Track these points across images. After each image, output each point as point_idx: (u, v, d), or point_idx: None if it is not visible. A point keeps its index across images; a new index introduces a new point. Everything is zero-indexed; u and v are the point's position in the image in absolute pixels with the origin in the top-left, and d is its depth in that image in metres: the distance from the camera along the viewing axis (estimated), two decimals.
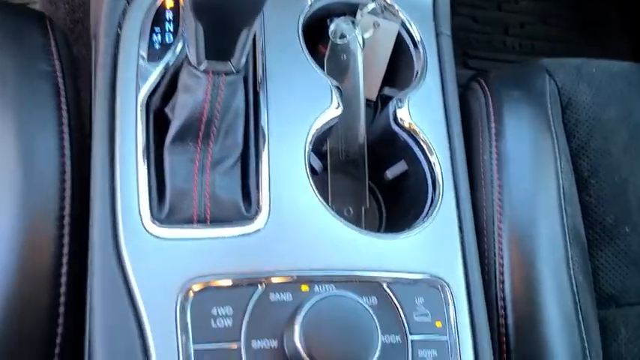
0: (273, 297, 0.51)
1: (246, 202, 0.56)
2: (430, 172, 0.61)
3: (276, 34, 0.62)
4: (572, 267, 0.64)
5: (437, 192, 0.60)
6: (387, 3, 0.68)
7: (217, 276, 0.51)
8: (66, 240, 0.55)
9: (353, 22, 0.68)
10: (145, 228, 0.52)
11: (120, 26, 0.59)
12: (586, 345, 0.62)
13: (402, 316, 0.53)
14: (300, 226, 0.55)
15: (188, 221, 0.54)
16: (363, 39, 0.68)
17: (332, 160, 0.68)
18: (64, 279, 0.54)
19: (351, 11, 0.68)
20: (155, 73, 0.57)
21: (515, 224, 0.63)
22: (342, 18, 0.68)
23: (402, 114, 0.63)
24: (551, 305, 0.61)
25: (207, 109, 0.53)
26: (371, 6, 0.67)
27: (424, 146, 0.62)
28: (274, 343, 0.49)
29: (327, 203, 0.58)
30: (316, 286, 0.52)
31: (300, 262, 0.53)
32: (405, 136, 0.63)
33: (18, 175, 0.55)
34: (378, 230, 0.67)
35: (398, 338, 0.53)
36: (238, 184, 0.56)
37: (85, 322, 0.52)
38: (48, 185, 0.55)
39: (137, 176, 0.54)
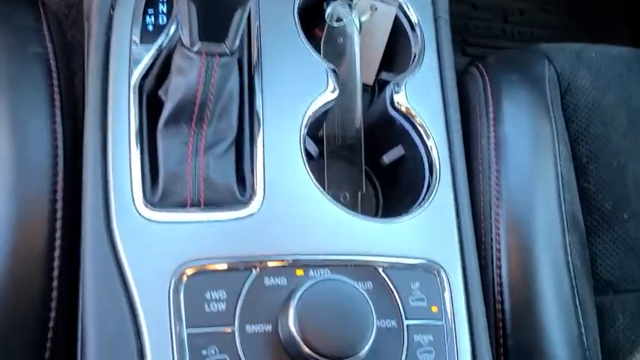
0: (268, 281, 0.51)
1: (240, 187, 0.55)
2: (427, 157, 0.61)
3: (272, 16, 0.61)
4: (569, 253, 0.63)
5: (434, 177, 0.60)
6: None
7: (211, 260, 0.50)
8: (59, 224, 0.54)
9: (350, 5, 0.67)
10: (137, 211, 0.51)
11: (112, 8, 0.58)
12: (583, 331, 0.61)
13: (398, 300, 0.53)
14: (294, 210, 0.54)
15: (181, 205, 0.53)
16: (360, 22, 0.68)
17: (328, 145, 0.68)
18: (56, 263, 0.54)
19: None
20: (148, 55, 0.57)
21: (512, 209, 0.63)
22: (339, 1, 0.67)
23: (399, 98, 0.62)
24: (549, 291, 0.61)
25: (200, 91, 0.52)
26: None
27: (421, 130, 0.61)
28: (269, 328, 0.49)
29: (324, 189, 0.57)
30: (311, 271, 0.52)
31: (295, 246, 0.53)
32: (401, 120, 0.63)
33: (9, 157, 0.54)
34: (375, 216, 0.66)
35: (393, 323, 0.52)
36: (232, 167, 0.56)
37: (77, 306, 0.52)
38: (40, 168, 0.55)
39: (130, 159, 0.53)
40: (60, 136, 0.57)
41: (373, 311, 0.49)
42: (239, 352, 0.48)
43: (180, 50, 0.53)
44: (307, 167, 0.56)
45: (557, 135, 0.68)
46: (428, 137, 0.61)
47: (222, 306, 0.49)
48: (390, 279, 0.53)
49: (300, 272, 0.52)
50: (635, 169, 0.73)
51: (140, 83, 0.56)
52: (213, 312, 0.49)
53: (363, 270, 0.53)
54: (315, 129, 0.65)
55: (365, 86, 0.72)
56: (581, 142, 0.72)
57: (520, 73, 0.71)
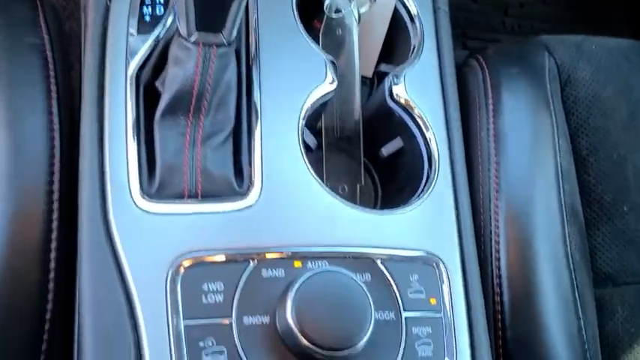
0: (265, 273, 0.50)
1: (238, 178, 0.55)
2: (426, 149, 0.61)
3: (270, 7, 0.61)
4: (569, 245, 0.63)
5: (433, 168, 0.59)
6: None
7: (208, 251, 0.50)
8: (55, 215, 0.54)
9: None
10: (134, 203, 0.51)
11: None
12: (582, 323, 0.61)
13: (396, 292, 0.53)
14: (292, 201, 0.54)
15: (179, 196, 0.53)
16: (359, 13, 0.67)
17: (327, 137, 0.67)
18: (53, 254, 0.54)
19: None
20: (145, 46, 0.56)
21: (512, 201, 0.62)
22: None
23: (398, 90, 0.62)
24: (548, 283, 0.60)
25: (197, 81, 0.52)
26: None
27: (420, 122, 0.61)
28: (266, 319, 0.49)
29: (322, 181, 0.57)
30: (309, 262, 0.51)
31: (293, 238, 0.53)
32: (400, 112, 0.62)
33: (5, 148, 0.54)
34: (374, 208, 0.66)
35: (392, 315, 0.52)
36: (230, 159, 0.55)
37: (74, 298, 0.51)
38: (36, 159, 0.55)
39: (126, 151, 0.53)
40: (56, 127, 0.56)
41: (371, 303, 0.48)
42: (236, 343, 0.48)
43: (177, 41, 0.52)
44: (305, 159, 0.56)
45: (556, 127, 0.67)
46: (427, 129, 0.61)
47: (220, 297, 0.49)
48: (388, 271, 0.53)
49: (298, 264, 0.51)
50: (635, 162, 0.72)
51: (137, 74, 0.56)
52: (211, 304, 0.49)
53: (361, 262, 0.53)
54: (313, 121, 0.64)
55: (364, 78, 0.71)
56: (581, 134, 0.72)
57: (520, 65, 0.71)
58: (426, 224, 0.57)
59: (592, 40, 0.76)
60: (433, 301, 0.54)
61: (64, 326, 0.54)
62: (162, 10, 0.58)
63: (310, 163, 0.56)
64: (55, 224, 0.54)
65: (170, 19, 0.57)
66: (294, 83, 0.58)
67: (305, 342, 0.46)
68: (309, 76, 0.59)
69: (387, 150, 0.66)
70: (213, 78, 0.53)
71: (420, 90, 0.62)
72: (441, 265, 0.55)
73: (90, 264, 0.50)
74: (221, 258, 0.50)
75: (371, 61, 0.71)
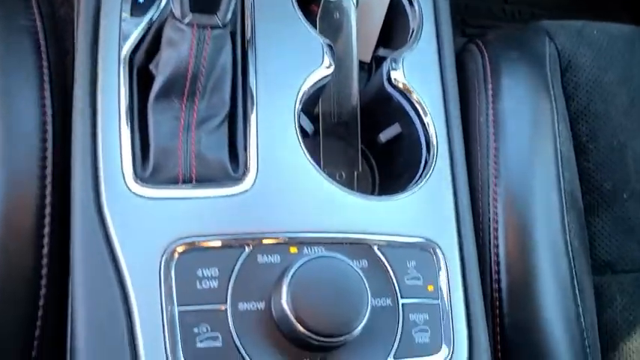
0: (261, 259, 0.50)
1: (233, 163, 0.54)
2: (424, 134, 0.60)
3: None
4: (568, 232, 0.62)
5: (431, 154, 0.59)
6: None
7: (203, 237, 0.49)
8: (48, 200, 0.53)
9: None
10: (127, 187, 0.50)
11: None
12: (580, 311, 0.61)
13: (393, 279, 0.52)
14: (289, 187, 0.53)
15: (173, 181, 0.52)
16: None
17: (324, 123, 0.67)
18: (46, 239, 0.53)
19: None
20: (139, 28, 0.55)
21: (511, 188, 0.62)
22: None
23: (397, 75, 0.61)
24: (546, 270, 0.60)
25: (192, 64, 0.51)
26: None
27: (418, 107, 0.60)
28: (261, 305, 0.48)
29: (319, 167, 0.56)
30: (305, 248, 0.51)
31: (289, 223, 0.52)
32: (399, 97, 0.61)
33: None
34: (371, 194, 0.65)
35: (388, 301, 0.51)
36: (225, 143, 0.54)
37: (68, 284, 0.51)
38: (29, 143, 0.54)
39: (120, 134, 0.52)
40: (49, 110, 0.55)
41: (368, 289, 0.48)
42: (231, 330, 0.47)
43: (171, 22, 0.52)
44: (302, 143, 0.55)
45: (556, 113, 0.66)
46: (425, 114, 0.60)
47: (214, 283, 0.48)
48: (385, 257, 0.53)
49: (293, 250, 0.51)
50: (635, 149, 0.72)
51: (130, 57, 0.55)
52: (205, 289, 0.48)
53: (358, 248, 0.52)
54: (310, 106, 0.63)
55: (362, 63, 0.70)
56: (581, 120, 0.71)
57: (520, 50, 0.70)
58: (423, 210, 0.56)
59: (593, 25, 0.75)
60: (430, 287, 0.53)
61: (58, 312, 0.53)
62: None
63: (307, 149, 0.56)
64: (47, 209, 0.53)
65: (164, 1, 0.56)
66: (291, 67, 0.57)
67: (300, 328, 0.46)
68: (305, 60, 0.58)
69: (385, 136, 0.65)
70: (208, 60, 0.52)
71: (418, 75, 0.61)
72: (439, 252, 0.55)
73: (83, 249, 0.49)
74: (216, 243, 0.50)
75: (369, 45, 0.70)
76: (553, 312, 0.59)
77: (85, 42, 0.55)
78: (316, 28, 0.63)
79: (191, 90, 0.52)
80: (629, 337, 0.68)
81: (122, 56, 0.54)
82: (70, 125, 0.53)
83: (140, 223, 0.49)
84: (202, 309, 0.48)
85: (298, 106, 0.56)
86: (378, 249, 0.53)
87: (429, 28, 0.64)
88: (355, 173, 0.67)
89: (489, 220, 0.61)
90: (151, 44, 0.55)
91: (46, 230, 0.53)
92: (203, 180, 0.52)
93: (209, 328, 0.47)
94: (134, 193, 0.50)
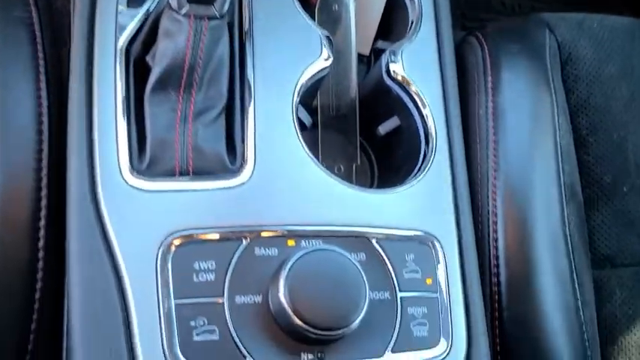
0: (258, 251, 0.49)
1: (230, 155, 0.54)
2: (423, 127, 0.59)
3: None
4: (567, 225, 0.62)
5: (430, 146, 0.58)
6: None
7: (200, 229, 0.49)
8: (44, 192, 0.53)
9: None
10: (124, 179, 0.50)
11: None
12: (580, 305, 0.60)
13: (392, 272, 0.52)
14: (286, 179, 0.53)
15: (170, 173, 0.52)
16: None
17: (322, 116, 0.66)
18: (42, 232, 0.53)
19: None
20: (135, 19, 0.55)
21: (510, 181, 0.61)
22: None
23: (396, 67, 0.60)
24: (546, 264, 0.60)
25: (189, 55, 0.51)
26: None
27: (417, 100, 0.60)
28: (259, 299, 0.48)
29: (317, 160, 0.56)
30: (303, 241, 0.50)
31: (287, 216, 0.51)
32: (397, 89, 0.61)
33: None
34: (370, 188, 0.65)
35: (387, 295, 0.51)
36: (222, 136, 0.54)
37: (64, 277, 0.50)
38: (24, 135, 0.53)
39: (116, 126, 0.51)
40: (45, 102, 0.55)
41: (366, 282, 0.48)
42: (228, 323, 0.47)
43: (167, 13, 0.51)
44: (300, 136, 0.55)
45: (556, 106, 0.66)
46: (424, 106, 0.59)
47: (211, 276, 0.48)
48: (383, 250, 0.52)
49: (291, 242, 0.50)
50: (635, 142, 0.71)
51: (127, 48, 0.54)
52: (202, 282, 0.48)
53: (356, 241, 0.52)
54: (309, 99, 0.63)
55: (361, 56, 0.70)
56: (581, 113, 0.70)
57: (520, 43, 0.69)
58: (422, 203, 0.56)
59: (593, 18, 0.74)
60: (429, 281, 0.53)
61: (54, 305, 0.53)
62: None
63: (305, 142, 0.55)
64: (43, 202, 0.53)
65: None
66: (289, 59, 0.57)
67: (298, 321, 0.45)
68: (304, 52, 0.58)
69: (384, 128, 0.64)
70: (205, 52, 0.51)
71: (417, 67, 0.61)
72: (438, 245, 0.54)
73: (78, 242, 0.48)
74: (213, 236, 0.49)
75: (368, 37, 0.70)
76: (552, 305, 0.59)
77: (81, 33, 0.54)
78: (315, 20, 0.62)
79: (188, 82, 0.52)
80: (628, 331, 0.68)
81: (118, 48, 0.54)
82: (66, 117, 0.53)
83: (137, 215, 0.49)
84: (199, 302, 0.47)
85: (296, 99, 0.56)
86: (377, 242, 0.52)
87: (428, 21, 0.63)
88: (354, 166, 0.66)
89: (488, 214, 0.61)
90: (148, 35, 0.55)
91: (42, 223, 0.53)
92: (200, 172, 0.52)
93: (206, 322, 0.47)
94: (130, 185, 0.50)
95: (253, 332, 0.47)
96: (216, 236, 0.49)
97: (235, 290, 0.48)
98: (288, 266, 0.47)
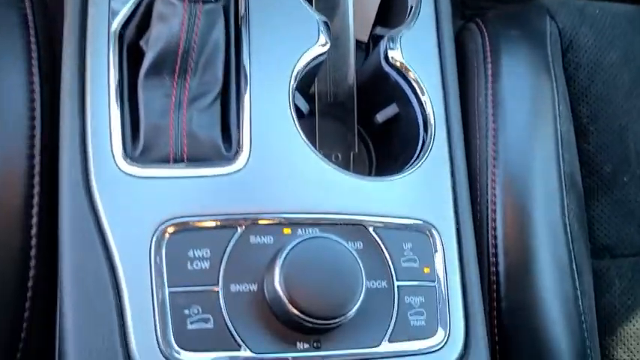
0: (254, 239, 0.49)
1: (225, 142, 0.53)
2: (422, 114, 0.58)
3: None
4: (567, 214, 0.61)
5: (428, 134, 0.57)
6: None
7: (194, 217, 0.48)
8: (36, 179, 0.52)
9: None
10: (117, 166, 0.49)
11: None
12: (579, 294, 0.60)
13: (389, 261, 0.51)
14: (283, 167, 0.52)
15: (164, 160, 0.51)
16: None
17: (320, 103, 0.65)
18: (35, 219, 0.52)
19: None
20: (129, 3, 0.54)
21: (509, 169, 0.60)
22: None
23: (394, 53, 0.59)
24: (545, 253, 0.59)
25: (183, 39, 0.50)
26: None
27: (416, 86, 0.59)
28: (254, 287, 0.47)
29: (314, 147, 0.55)
30: (299, 229, 0.50)
31: (283, 204, 0.51)
32: (396, 76, 0.60)
33: None
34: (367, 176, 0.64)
35: (384, 284, 0.51)
36: (218, 122, 0.53)
37: (57, 264, 0.50)
38: (15, 120, 0.52)
39: (109, 111, 0.50)
40: (37, 87, 0.54)
41: (363, 271, 0.47)
42: (223, 311, 0.46)
43: None
44: (296, 123, 0.54)
45: (557, 93, 0.65)
46: (423, 93, 0.59)
47: (206, 264, 0.47)
48: (381, 239, 0.52)
49: (287, 231, 0.50)
50: (636, 131, 0.70)
51: (120, 33, 0.53)
52: (196, 270, 0.47)
53: (353, 229, 0.51)
54: (306, 85, 0.62)
55: (359, 43, 0.69)
56: (582, 101, 0.69)
57: (520, 29, 0.68)
58: (420, 191, 0.55)
59: (595, 4, 0.73)
60: (427, 270, 0.52)
61: (47, 293, 0.52)
62: None
63: (302, 130, 0.54)
64: (36, 189, 0.52)
65: None
66: (285, 44, 0.56)
67: (293, 310, 0.45)
68: (300, 37, 0.57)
69: (382, 116, 0.64)
70: (200, 36, 0.50)
71: (416, 53, 0.60)
72: (436, 234, 0.54)
73: (71, 229, 0.48)
74: (207, 224, 0.49)
75: (366, 24, 0.69)
76: (551, 294, 0.58)
77: (73, 17, 0.53)
78: (312, 5, 0.61)
79: (182, 66, 0.51)
80: (627, 321, 0.67)
81: (112, 32, 0.53)
82: (59, 102, 0.52)
83: (130, 202, 0.48)
84: (193, 290, 0.47)
85: (293, 84, 0.55)
86: (374, 230, 0.52)
87: (427, 6, 0.62)
88: (351, 154, 0.66)
89: (487, 202, 0.60)
90: (142, 19, 0.54)
91: (35, 210, 0.52)
92: (194, 159, 0.51)
93: (200, 310, 0.46)
94: (124, 172, 0.49)
95: (248, 321, 0.47)
96: (210, 224, 0.49)
97: (230, 278, 0.47)
98: (284, 254, 0.46)
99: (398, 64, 0.59)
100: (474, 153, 0.62)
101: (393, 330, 0.50)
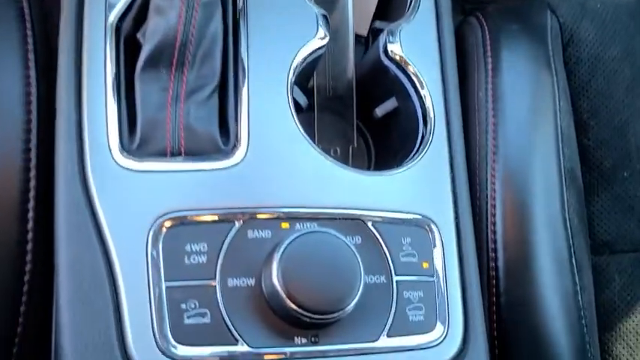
0: (251, 234, 0.48)
1: (223, 136, 0.53)
2: (421, 108, 0.58)
3: None
4: (567, 209, 0.61)
5: (428, 128, 0.57)
6: None
7: (191, 211, 0.48)
8: (32, 173, 0.52)
9: None
10: (113, 159, 0.49)
11: None
12: (578, 289, 0.60)
13: (388, 256, 0.51)
14: (281, 161, 0.52)
15: (161, 153, 0.50)
16: None
17: (319, 97, 0.65)
18: (31, 214, 0.51)
19: None
20: None
21: (509, 164, 0.60)
22: None
23: (394, 47, 0.59)
24: (544, 248, 0.59)
25: (180, 32, 0.49)
26: None
27: (415, 80, 0.58)
28: (251, 282, 0.47)
29: (313, 142, 0.55)
30: (297, 224, 0.49)
31: (281, 198, 0.50)
32: (395, 70, 0.60)
33: None
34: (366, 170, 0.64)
35: (382, 279, 0.50)
36: (215, 116, 0.53)
37: (53, 259, 0.49)
38: (12, 115, 0.52)
39: (105, 105, 0.50)
40: (33, 80, 0.53)
41: (361, 266, 0.47)
42: (220, 306, 0.46)
43: None
44: (295, 117, 0.54)
45: (557, 88, 0.65)
46: (422, 87, 0.58)
47: (203, 259, 0.47)
48: (379, 233, 0.51)
49: (285, 225, 0.49)
50: (637, 127, 0.70)
51: (117, 25, 0.53)
52: (194, 265, 0.47)
53: (351, 224, 0.51)
54: (305, 80, 0.62)
55: (358, 37, 0.69)
56: (583, 96, 0.69)
57: (521, 23, 0.67)
58: (419, 186, 0.55)
59: None
60: (426, 264, 0.52)
61: (43, 288, 0.52)
62: None
63: (301, 124, 0.54)
64: (32, 183, 0.52)
65: None
66: (284, 38, 0.56)
67: (291, 305, 0.45)
68: (299, 30, 0.56)
69: (381, 110, 0.63)
70: (197, 29, 0.50)
71: (416, 47, 0.59)
72: (435, 229, 0.53)
73: (67, 223, 0.47)
74: (205, 218, 0.48)
75: (366, 17, 0.69)
76: (550, 290, 0.58)
77: (70, 10, 0.53)
78: None
79: (180, 60, 0.51)
80: (626, 317, 0.67)
81: (108, 24, 0.52)
82: (55, 96, 0.51)
83: (127, 196, 0.48)
84: (190, 284, 0.46)
85: (291, 78, 0.55)
86: (372, 225, 0.51)
87: (427, 0, 0.62)
88: (350, 149, 0.65)
89: (487, 197, 0.60)
90: (139, 12, 0.53)
91: (31, 204, 0.52)
92: (192, 153, 0.51)
93: (197, 304, 0.46)
94: (120, 165, 0.49)
95: (245, 316, 0.46)
96: (208, 218, 0.48)
97: (227, 273, 0.47)
98: (282, 249, 0.46)
99: (397, 57, 0.59)
100: (474, 148, 0.62)
101: (391, 325, 0.50)
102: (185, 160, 0.50)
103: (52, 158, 0.51)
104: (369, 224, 0.52)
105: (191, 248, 0.47)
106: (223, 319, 0.46)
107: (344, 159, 0.65)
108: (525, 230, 0.58)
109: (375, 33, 0.67)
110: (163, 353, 0.45)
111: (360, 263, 0.47)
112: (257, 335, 0.46)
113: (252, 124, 0.52)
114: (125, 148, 0.50)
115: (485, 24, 0.67)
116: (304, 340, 0.47)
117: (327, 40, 0.57)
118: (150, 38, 0.50)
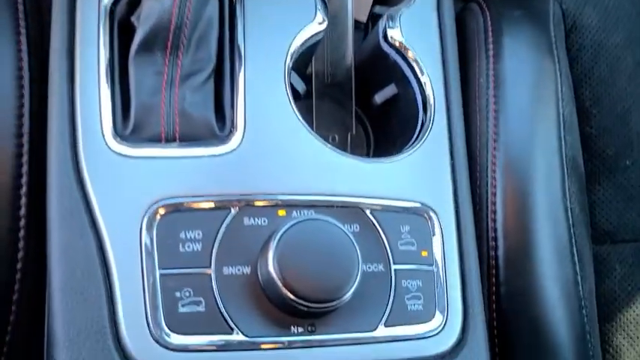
0: (247, 221, 0.48)
1: (219, 122, 0.52)
2: (421, 94, 0.57)
3: None
4: (568, 198, 0.60)
5: (427, 115, 0.56)
6: None
7: (186, 198, 0.47)
8: (25, 159, 0.51)
9: None
10: (107, 145, 0.48)
11: None
12: (579, 279, 0.59)
13: (386, 244, 0.50)
14: (278, 147, 0.51)
15: (155, 139, 0.50)
16: None
17: (317, 84, 0.64)
18: (23, 200, 0.50)
19: None
20: None
21: (510, 151, 0.59)
22: None
23: (393, 32, 0.58)
24: (545, 237, 0.58)
25: (175, 15, 0.48)
26: None
27: (415, 66, 0.57)
28: (247, 270, 0.46)
29: (311, 128, 0.54)
30: (294, 211, 0.49)
31: (278, 185, 0.50)
32: (395, 55, 0.58)
33: None
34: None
35: (380, 267, 0.49)
36: (211, 101, 0.52)
37: (46, 246, 0.49)
38: (4, 100, 0.51)
39: (99, 89, 0.49)
40: (25, 65, 0.52)
41: (359, 254, 0.46)
42: (215, 294, 0.45)
43: None
44: (292, 103, 0.53)
45: (560, 75, 0.64)
46: (422, 74, 0.57)
47: (198, 246, 0.46)
48: (378, 221, 0.51)
49: (282, 212, 0.48)
50: (639, 114, 0.69)
51: (111, 8, 0.52)
52: (188, 252, 0.46)
53: (349, 211, 0.50)
54: (303, 66, 0.61)
55: (358, 23, 0.67)
56: (585, 84, 0.68)
57: (523, 9, 0.66)
58: (419, 174, 0.54)
59: None
60: (425, 253, 0.51)
61: (36, 275, 0.51)
62: None
63: (299, 111, 0.53)
64: (24, 168, 0.51)
65: None
66: (281, 22, 0.54)
67: (287, 293, 0.44)
68: (297, 15, 0.55)
69: (380, 97, 0.62)
70: (193, 12, 0.49)
71: (416, 33, 0.58)
72: (434, 217, 0.53)
73: (59, 210, 0.47)
74: (200, 205, 0.47)
75: (365, 2, 0.67)
76: (551, 279, 0.57)
77: None
78: None
79: (175, 43, 0.49)
80: (627, 307, 0.66)
81: (102, 7, 0.51)
82: (47, 80, 0.50)
83: (120, 182, 0.47)
84: (185, 272, 0.46)
85: (289, 63, 0.54)
86: (371, 213, 0.51)
87: None
88: (349, 136, 0.64)
89: (487, 185, 0.59)
90: None
91: (24, 190, 0.51)
92: (187, 139, 0.50)
93: (192, 293, 0.45)
94: (114, 151, 0.48)
95: (241, 304, 0.46)
96: (203, 205, 0.47)
97: (223, 261, 0.46)
98: (278, 236, 0.45)
99: (397, 43, 0.58)
100: (474, 135, 0.61)
101: (389, 314, 0.49)
102: (180, 146, 0.49)
103: (44, 144, 0.50)
104: (368, 212, 0.51)
105: (186, 236, 0.46)
106: (218, 307, 0.45)
107: (342, 146, 0.64)
108: (526, 219, 0.57)
109: (374, 18, 0.66)
110: (157, 342, 0.44)
111: (358, 251, 0.46)
112: (253, 324, 0.46)
113: (249, 110, 0.51)
114: (118, 133, 0.49)
115: (486, 10, 0.66)
116: (301, 330, 0.46)
117: (325, 25, 0.56)
118: (144, 21, 0.49)
